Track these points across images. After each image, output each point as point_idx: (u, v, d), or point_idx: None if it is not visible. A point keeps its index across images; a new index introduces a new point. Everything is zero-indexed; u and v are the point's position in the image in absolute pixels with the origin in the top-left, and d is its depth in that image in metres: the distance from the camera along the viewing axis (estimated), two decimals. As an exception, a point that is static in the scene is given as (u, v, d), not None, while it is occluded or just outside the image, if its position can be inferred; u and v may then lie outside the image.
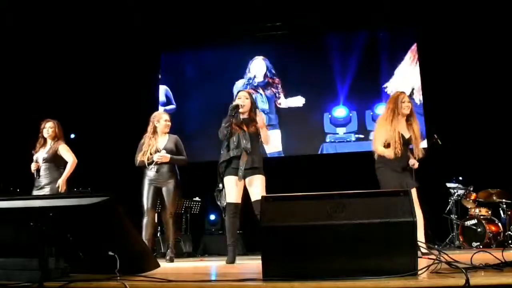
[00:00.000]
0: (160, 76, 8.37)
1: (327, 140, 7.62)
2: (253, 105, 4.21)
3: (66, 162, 4.87)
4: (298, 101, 7.78)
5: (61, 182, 4.76)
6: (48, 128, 4.88)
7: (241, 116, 4.15)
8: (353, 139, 7.56)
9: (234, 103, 4.10)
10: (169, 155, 4.53)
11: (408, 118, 4.40)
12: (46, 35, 7.20)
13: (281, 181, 7.05)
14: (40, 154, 4.85)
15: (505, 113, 6.57)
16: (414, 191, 4.22)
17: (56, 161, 4.83)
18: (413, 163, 4.30)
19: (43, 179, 4.79)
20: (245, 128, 4.08)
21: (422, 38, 7.43)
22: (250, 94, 4.29)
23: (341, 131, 7.61)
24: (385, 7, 7.35)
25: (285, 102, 7.84)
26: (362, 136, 7.49)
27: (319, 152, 7.63)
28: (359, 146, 7.36)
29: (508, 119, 6.54)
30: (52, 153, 4.83)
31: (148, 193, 4.54)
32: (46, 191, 4.75)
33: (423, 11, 7.27)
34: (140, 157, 4.59)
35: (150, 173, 4.57)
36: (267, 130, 4.25)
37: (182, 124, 7.91)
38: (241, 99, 4.14)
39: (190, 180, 4.75)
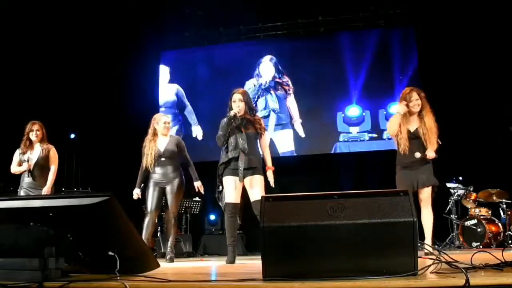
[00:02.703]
0: (169, 76, 8.36)
1: (341, 139, 7.62)
2: (248, 105, 4.13)
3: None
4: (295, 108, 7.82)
5: (47, 190, 4.85)
6: (36, 131, 4.94)
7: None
8: (367, 138, 7.55)
9: (231, 113, 4.02)
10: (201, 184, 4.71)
11: (420, 112, 4.23)
12: (46, 34, 7.19)
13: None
14: (32, 156, 4.90)
15: (505, 113, 6.56)
16: (427, 190, 4.15)
17: (47, 163, 4.94)
18: (420, 155, 4.11)
19: (37, 180, 4.86)
20: (242, 129, 4.06)
21: (421, 37, 7.43)
22: (244, 94, 4.16)
23: (354, 130, 7.62)
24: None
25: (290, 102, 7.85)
26: (376, 135, 7.49)
27: (332, 151, 7.63)
28: (373, 145, 7.37)
29: (507, 119, 6.53)
30: (44, 155, 4.92)
31: (153, 195, 4.54)
32: (35, 192, 4.81)
33: (423, 10, 7.28)
34: (144, 162, 4.59)
35: (155, 175, 4.57)
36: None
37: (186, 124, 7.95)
38: (236, 103, 4.07)
39: (190, 180, 4.75)
